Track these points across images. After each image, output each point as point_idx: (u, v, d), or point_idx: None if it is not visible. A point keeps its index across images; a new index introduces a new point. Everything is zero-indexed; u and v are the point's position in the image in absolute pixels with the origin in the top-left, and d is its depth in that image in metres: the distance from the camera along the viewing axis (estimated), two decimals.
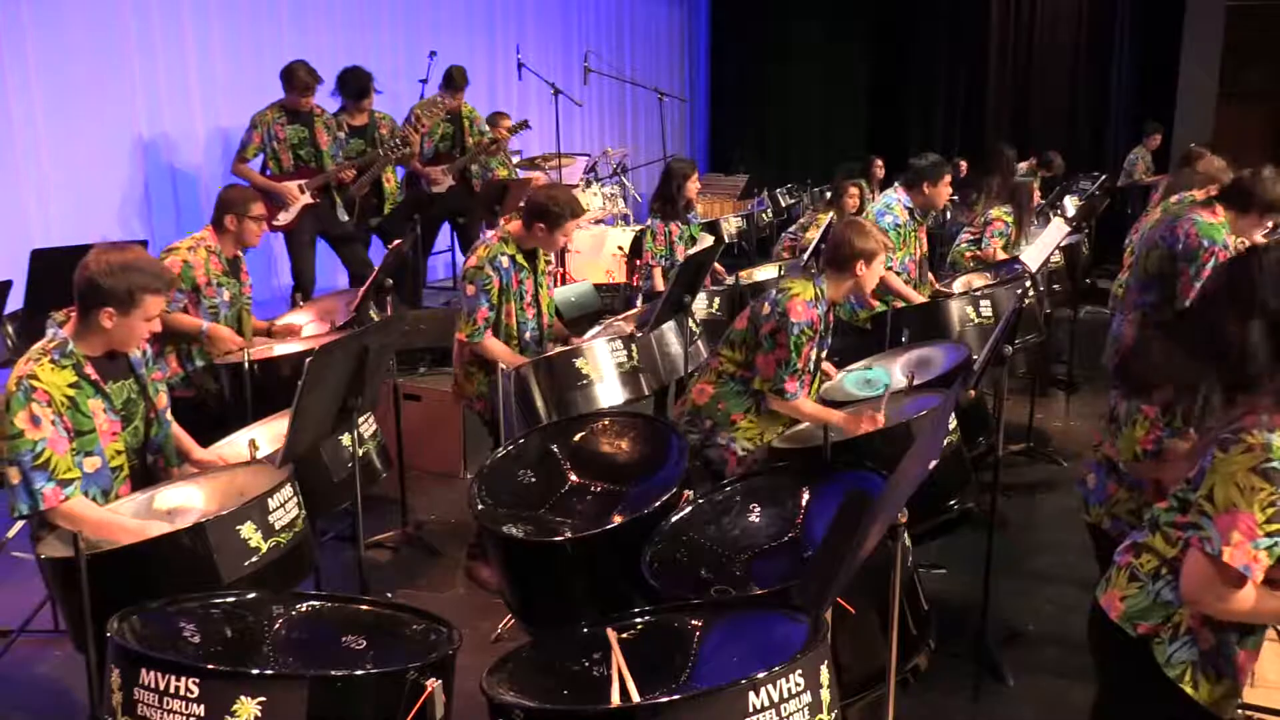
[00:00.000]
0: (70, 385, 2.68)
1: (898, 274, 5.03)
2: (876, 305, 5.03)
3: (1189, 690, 1.97)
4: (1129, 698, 2.15)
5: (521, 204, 4.22)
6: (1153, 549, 2.10)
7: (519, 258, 4.03)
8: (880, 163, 9.50)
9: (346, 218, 6.35)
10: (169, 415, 3.05)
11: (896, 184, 5.28)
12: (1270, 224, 3.96)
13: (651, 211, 5.97)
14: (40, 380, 2.63)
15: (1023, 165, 9.84)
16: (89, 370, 2.73)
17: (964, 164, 10.33)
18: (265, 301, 6.50)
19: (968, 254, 6.27)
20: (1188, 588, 1.90)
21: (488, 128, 7.27)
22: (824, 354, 3.67)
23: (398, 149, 6.36)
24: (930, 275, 5.58)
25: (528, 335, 4.11)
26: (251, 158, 5.94)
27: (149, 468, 2.95)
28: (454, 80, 7.00)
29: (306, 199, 5.90)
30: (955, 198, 9.13)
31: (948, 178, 5.15)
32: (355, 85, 6.25)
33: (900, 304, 4.94)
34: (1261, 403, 1.92)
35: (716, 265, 6.30)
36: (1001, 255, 6.13)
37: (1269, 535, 1.83)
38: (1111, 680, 2.22)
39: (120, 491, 2.80)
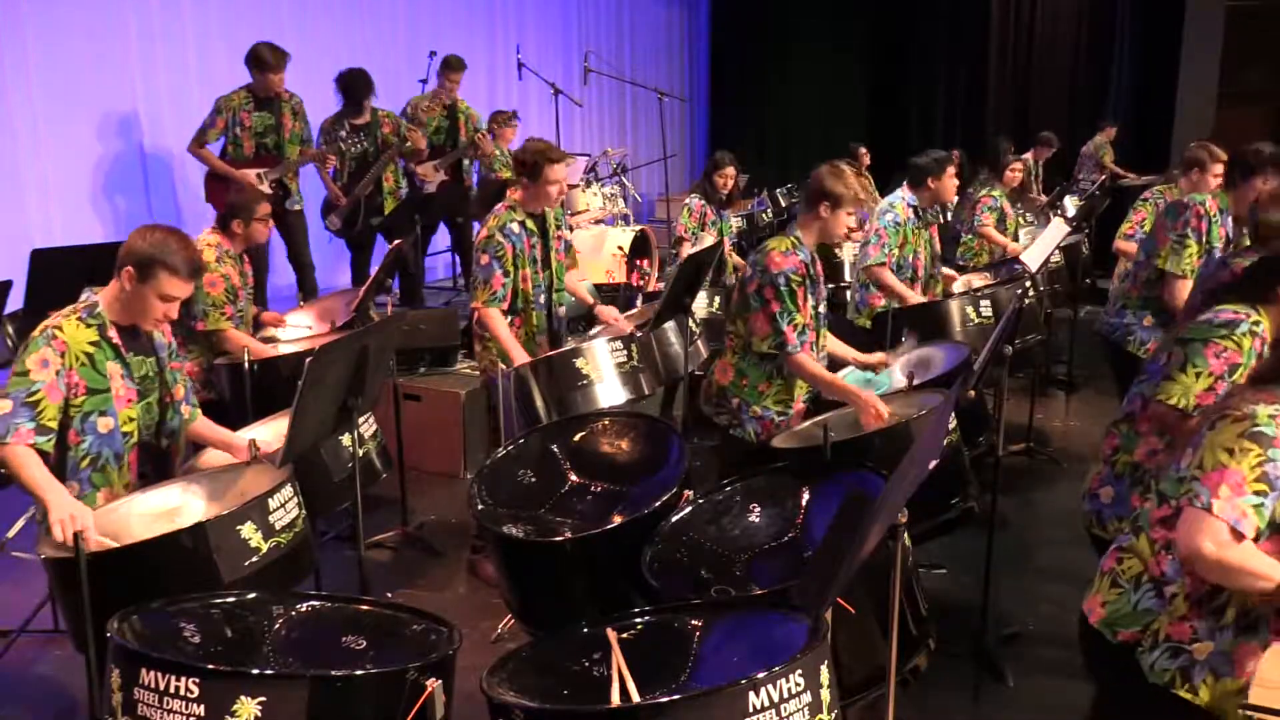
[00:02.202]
0: (91, 343, 2.78)
1: (899, 269, 5.03)
2: (879, 304, 5.03)
3: (1187, 696, 1.97)
4: (1121, 703, 2.15)
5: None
6: (1136, 553, 2.10)
7: (528, 223, 4.09)
8: (865, 151, 9.55)
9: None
10: (189, 410, 3.12)
11: (904, 183, 5.30)
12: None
13: (693, 188, 6.22)
14: (63, 332, 2.74)
15: (1026, 156, 9.87)
16: (112, 334, 2.83)
17: (956, 154, 10.35)
18: (268, 301, 6.50)
19: (975, 244, 6.30)
20: (1183, 545, 1.90)
21: (483, 126, 7.26)
22: (820, 305, 3.65)
23: (400, 145, 6.37)
24: (948, 270, 5.59)
25: (542, 299, 4.17)
26: (212, 141, 5.92)
27: (163, 451, 3.01)
28: (451, 65, 6.98)
29: (264, 189, 5.86)
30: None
31: (951, 169, 5.15)
32: (353, 92, 6.27)
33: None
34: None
35: (736, 259, 6.37)
36: (995, 233, 6.16)
37: (1256, 494, 1.85)
38: (1102, 685, 2.23)
39: (129, 459, 2.87)
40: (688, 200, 6.07)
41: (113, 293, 2.84)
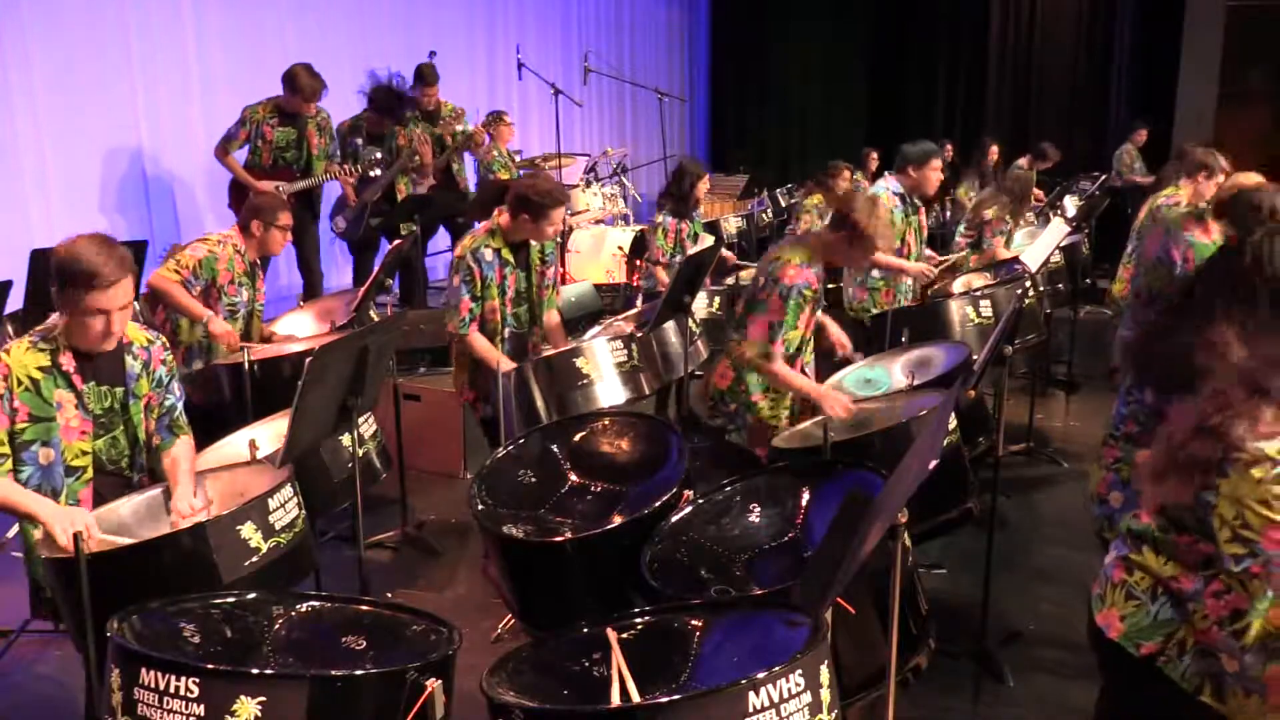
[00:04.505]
0: (39, 368, 2.64)
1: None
2: (864, 297, 5.06)
3: (1213, 703, 1.95)
4: (1147, 714, 2.13)
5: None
6: (1144, 566, 2.09)
7: (504, 252, 4.01)
8: (875, 155, 9.56)
9: (344, 226, 6.41)
10: (160, 439, 2.92)
11: (887, 172, 5.31)
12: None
13: (661, 208, 5.95)
14: (9, 355, 2.63)
15: (1021, 161, 9.90)
16: (64, 359, 2.68)
17: (950, 148, 10.39)
18: (267, 301, 6.52)
19: (973, 258, 6.27)
20: None
21: (467, 125, 7.21)
22: (818, 314, 3.68)
23: (409, 158, 6.39)
24: (929, 252, 5.59)
25: (507, 332, 4.08)
26: (235, 150, 5.95)
27: (135, 486, 2.86)
28: (424, 76, 6.94)
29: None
30: (952, 197, 9.21)
31: (935, 162, 5.14)
32: (386, 104, 6.32)
33: (888, 301, 4.97)
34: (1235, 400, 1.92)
35: (727, 253, 6.32)
36: (1005, 253, 6.13)
37: None
38: (1127, 700, 2.20)
39: (80, 494, 2.73)
40: (660, 220, 5.81)
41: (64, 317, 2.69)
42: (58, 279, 2.60)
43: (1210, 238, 3.80)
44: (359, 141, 6.31)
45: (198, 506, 2.76)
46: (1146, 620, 2.05)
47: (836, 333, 4.01)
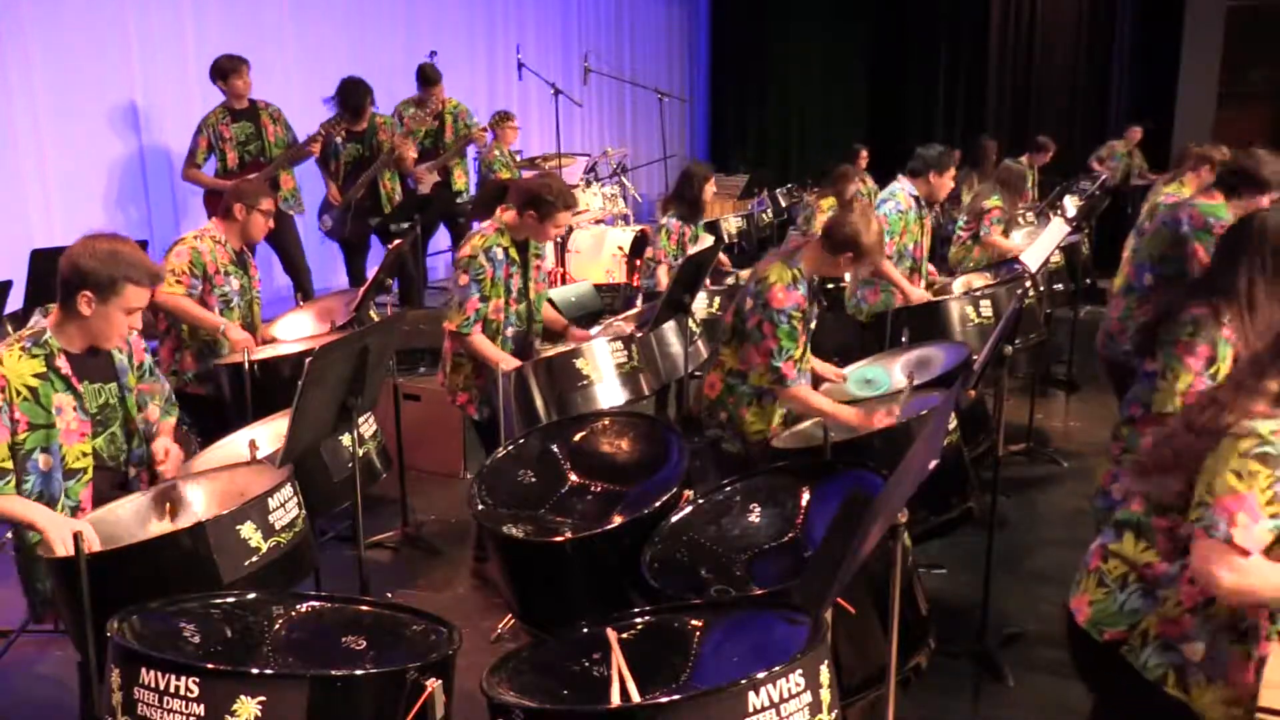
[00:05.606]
0: (35, 375, 2.60)
1: (899, 258, 5.01)
2: (876, 300, 5.04)
3: (1177, 694, 1.96)
4: (1109, 701, 2.15)
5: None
6: (1121, 555, 2.09)
7: (512, 250, 3.99)
8: (865, 153, 9.56)
9: (330, 225, 6.43)
10: (156, 418, 2.97)
11: (902, 174, 5.28)
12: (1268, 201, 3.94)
13: (666, 210, 5.90)
14: (3, 365, 2.57)
15: (1022, 159, 9.91)
16: (60, 363, 2.65)
17: (958, 153, 10.40)
18: (266, 301, 6.52)
19: (975, 250, 6.27)
20: (1201, 576, 1.87)
21: (474, 121, 7.23)
22: (813, 325, 3.63)
23: (389, 155, 6.40)
24: (930, 267, 5.57)
25: (509, 331, 4.05)
26: (202, 162, 5.97)
27: (130, 480, 2.88)
28: (428, 76, 7.00)
29: None
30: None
31: (953, 170, 5.15)
32: (352, 102, 6.30)
33: (900, 303, 4.94)
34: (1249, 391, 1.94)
35: (722, 257, 6.29)
36: (1003, 241, 6.14)
37: (1272, 517, 1.84)
38: (1090, 683, 2.23)
39: (81, 495, 2.71)
40: (664, 221, 5.75)
41: (64, 318, 2.65)
42: (99, 277, 2.59)
43: (1217, 201, 3.82)
44: (338, 140, 6.32)
45: (173, 452, 2.93)
46: (1113, 607, 2.06)
47: None
